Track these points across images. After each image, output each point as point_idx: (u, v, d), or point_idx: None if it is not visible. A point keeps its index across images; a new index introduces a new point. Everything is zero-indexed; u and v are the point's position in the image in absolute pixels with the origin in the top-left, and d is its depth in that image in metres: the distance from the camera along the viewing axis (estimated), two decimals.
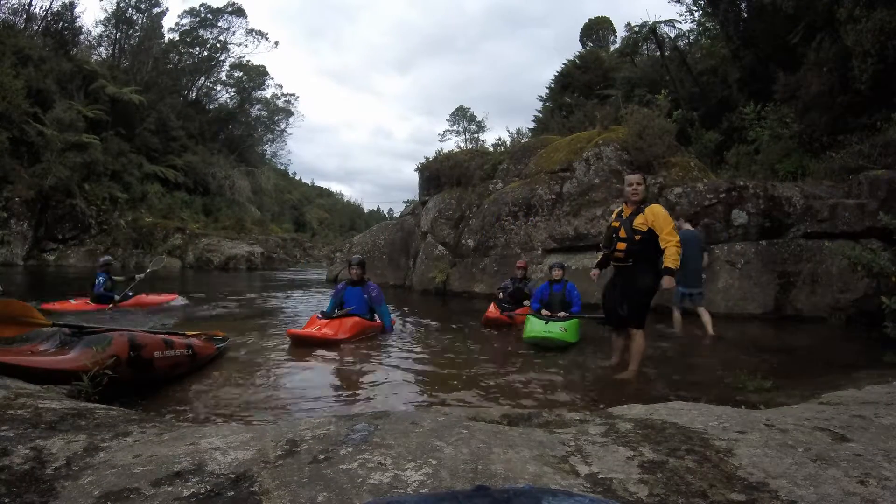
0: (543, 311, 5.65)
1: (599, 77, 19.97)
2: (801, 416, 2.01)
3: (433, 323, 6.85)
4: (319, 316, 5.29)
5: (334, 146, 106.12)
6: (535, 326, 5.21)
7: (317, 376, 3.81)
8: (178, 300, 7.88)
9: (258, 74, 34.67)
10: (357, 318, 5.28)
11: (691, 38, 18.37)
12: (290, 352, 4.56)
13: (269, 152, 40.00)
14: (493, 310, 6.54)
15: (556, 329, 5.09)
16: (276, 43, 36.30)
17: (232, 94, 34.88)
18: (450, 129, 42.48)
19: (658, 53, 18.41)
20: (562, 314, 5.57)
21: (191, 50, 31.66)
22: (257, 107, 36.62)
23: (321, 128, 74.35)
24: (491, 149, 13.86)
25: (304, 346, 4.69)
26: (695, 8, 16.21)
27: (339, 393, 3.47)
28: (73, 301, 6.79)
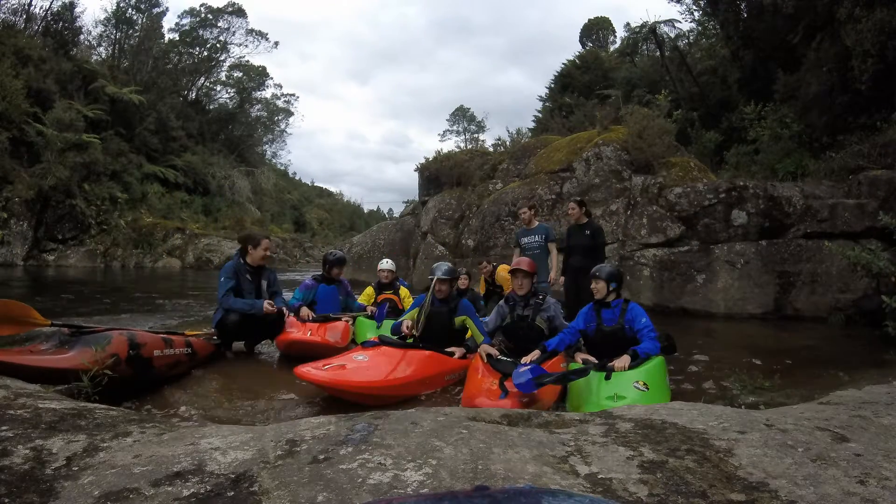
0: (580, 356, 3.36)
1: (599, 77, 19.99)
2: (801, 416, 2.01)
3: None
4: (307, 318, 4.43)
5: (314, 149, 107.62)
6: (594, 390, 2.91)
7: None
8: None
9: (258, 75, 34.67)
10: (346, 323, 4.61)
11: (691, 38, 18.39)
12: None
13: (269, 152, 40.04)
14: (486, 389, 2.98)
15: (629, 389, 2.85)
16: (276, 43, 36.17)
17: (232, 94, 34.87)
18: (449, 129, 42.47)
19: (658, 53, 18.42)
20: (617, 363, 3.04)
21: (191, 50, 31.62)
22: (257, 107, 36.64)
23: (299, 133, 76.53)
24: (491, 149, 13.87)
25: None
26: (695, 8, 16.24)
27: None
28: None
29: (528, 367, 2.85)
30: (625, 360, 3.06)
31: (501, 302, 3.86)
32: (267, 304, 3.96)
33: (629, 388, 2.85)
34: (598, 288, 3.43)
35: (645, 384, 2.87)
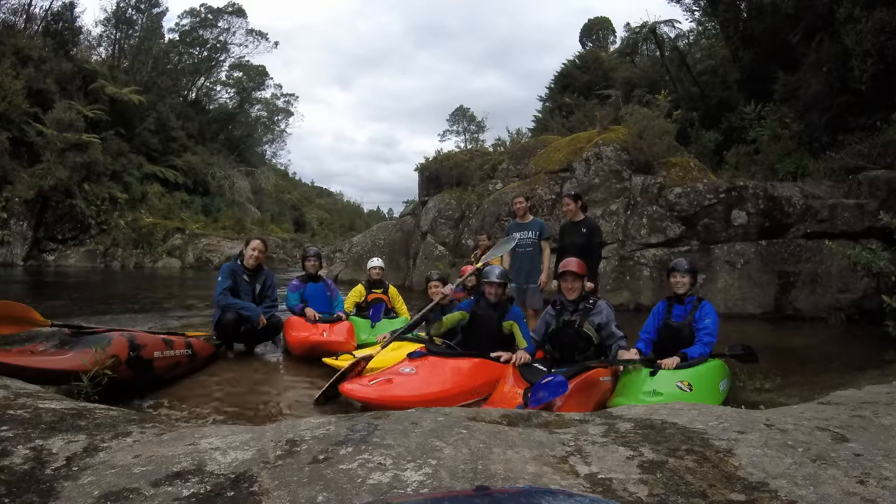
0: (625, 354, 3.17)
1: (599, 77, 19.97)
2: (801, 416, 2.01)
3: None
4: (315, 319, 4.55)
5: (306, 151, 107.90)
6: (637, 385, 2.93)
7: (316, 376, 3.80)
8: None
9: (258, 74, 34.63)
10: (350, 323, 4.71)
11: (691, 38, 18.42)
12: (289, 352, 4.53)
13: (269, 152, 40.01)
14: (508, 399, 2.93)
15: (670, 387, 2.83)
16: (276, 43, 36.14)
17: (232, 94, 34.84)
18: (449, 128, 42.43)
19: (658, 53, 18.43)
20: (666, 361, 3.05)
21: (191, 50, 31.59)
22: (257, 107, 36.60)
23: (293, 134, 76.84)
24: (491, 149, 13.88)
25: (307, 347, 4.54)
26: (695, 8, 16.25)
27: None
28: None
29: (552, 378, 2.66)
30: (674, 359, 3.06)
31: (549, 307, 3.56)
32: (262, 318, 4.15)
33: (671, 386, 2.82)
34: (684, 282, 3.40)
35: (689, 385, 2.82)
